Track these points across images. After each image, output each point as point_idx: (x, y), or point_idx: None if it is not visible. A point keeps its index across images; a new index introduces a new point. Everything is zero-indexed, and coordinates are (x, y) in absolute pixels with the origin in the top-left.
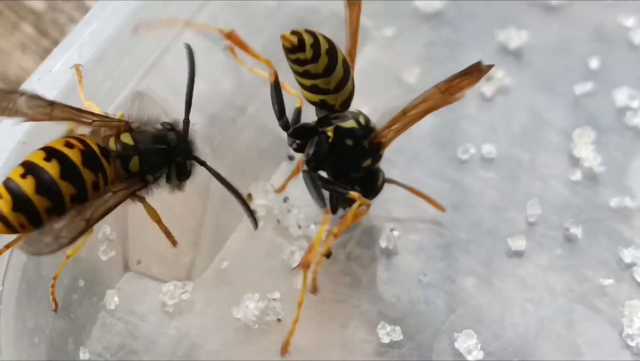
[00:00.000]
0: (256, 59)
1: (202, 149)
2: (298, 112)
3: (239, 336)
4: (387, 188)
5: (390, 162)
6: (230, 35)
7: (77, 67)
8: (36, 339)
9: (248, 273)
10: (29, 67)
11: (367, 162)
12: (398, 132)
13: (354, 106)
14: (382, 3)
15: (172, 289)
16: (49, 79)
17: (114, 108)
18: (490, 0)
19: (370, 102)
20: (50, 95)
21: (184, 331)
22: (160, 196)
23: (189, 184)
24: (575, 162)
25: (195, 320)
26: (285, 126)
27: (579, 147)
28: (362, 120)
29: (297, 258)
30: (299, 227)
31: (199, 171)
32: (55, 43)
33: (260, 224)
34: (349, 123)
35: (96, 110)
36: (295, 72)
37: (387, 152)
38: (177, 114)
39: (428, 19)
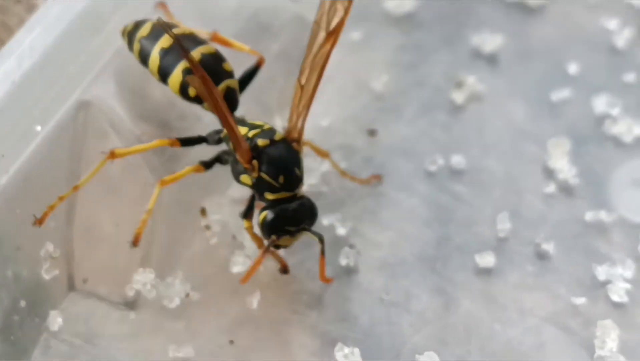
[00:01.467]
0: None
1: (154, 160)
2: None
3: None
4: (351, 201)
5: (356, 175)
6: (216, 37)
7: None
8: None
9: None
10: None
11: (245, 178)
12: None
13: (319, 115)
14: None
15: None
16: None
17: (56, 120)
18: (465, 2)
19: (335, 110)
20: None
21: (132, 353)
22: (107, 212)
23: (138, 197)
24: (549, 174)
25: (144, 342)
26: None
27: (553, 158)
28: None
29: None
30: None
31: (151, 182)
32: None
33: (214, 240)
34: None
35: None
36: None
37: (351, 164)
38: (125, 124)
39: (398, 21)
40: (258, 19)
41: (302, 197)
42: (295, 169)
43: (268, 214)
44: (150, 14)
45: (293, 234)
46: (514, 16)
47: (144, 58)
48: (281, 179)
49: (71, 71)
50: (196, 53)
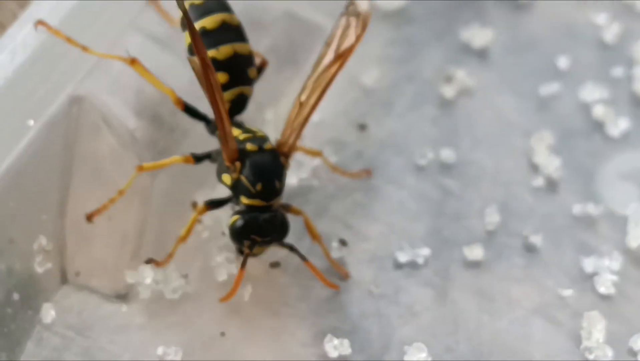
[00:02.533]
0: (158, 88)
1: (146, 155)
2: None
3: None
4: (341, 195)
5: (347, 169)
6: (134, 62)
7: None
8: None
9: (192, 285)
10: None
11: (225, 178)
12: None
13: None
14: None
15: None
16: None
17: (50, 115)
18: None
19: (326, 105)
20: None
21: (123, 346)
22: (99, 205)
23: (130, 190)
24: (536, 167)
25: (135, 334)
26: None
27: (537, 152)
28: None
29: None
30: None
31: (140, 179)
32: None
33: (206, 234)
34: None
35: None
36: None
37: (341, 158)
38: (117, 119)
39: (389, 17)
40: (248, 14)
41: (277, 210)
42: (276, 181)
43: (238, 220)
44: (142, 9)
45: (259, 244)
46: (503, 11)
47: (184, 24)
48: (259, 186)
49: (64, 67)
50: (229, 47)
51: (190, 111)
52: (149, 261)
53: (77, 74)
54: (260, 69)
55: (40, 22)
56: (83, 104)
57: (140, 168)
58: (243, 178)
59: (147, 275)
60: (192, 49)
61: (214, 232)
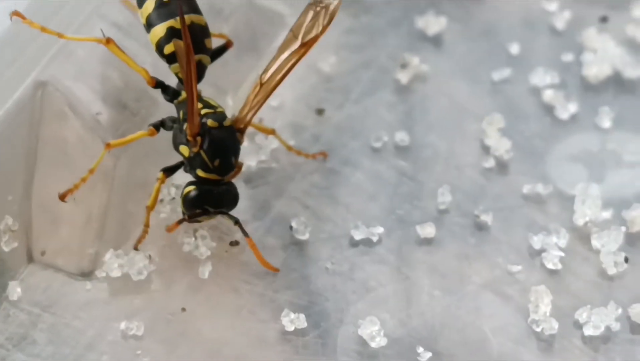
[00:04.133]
0: (132, 67)
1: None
2: None
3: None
4: (299, 177)
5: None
6: (109, 42)
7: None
8: None
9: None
10: None
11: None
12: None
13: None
14: None
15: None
16: None
17: (15, 100)
18: None
19: (285, 91)
20: None
21: (88, 322)
22: (64, 187)
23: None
24: (487, 149)
25: (99, 310)
26: None
27: (488, 135)
28: None
29: (202, 250)
30: None
31: (105, 158)
32: None
33: (165, 215)
34: None
35: None
36: None
37: (299, 142)
38: (82, 104)
39: (347, 5)
40: (210, 2)
41: (229, 183)
42: (232, 158)
43: (192, 191)
44: None
45: (210, 214)
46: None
47: (141, 1)
48: (217, 162)
49: (29, 52)
50: (187, 18)
51: (162, 86)
52: (135, 247)
53: (42, 60)
54: (225, 48)
55: (15, 13)
56: (47, 89)
57: (109, 145)
58: (202, 153)
59: (113, 264)
60: (149, 24)
61: (174, 213)
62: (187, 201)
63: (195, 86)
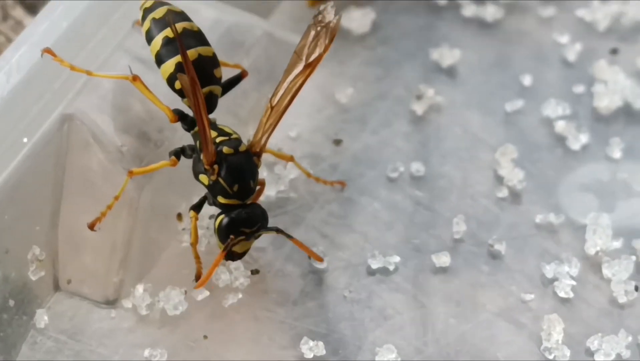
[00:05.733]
0: (156, 104)
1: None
2: None
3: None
4: (317, 206)
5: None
6: (135, 79)
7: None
8: None
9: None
10: None
11: (203, 178)
12: (272, 131)
13: (288, 125)
14: None
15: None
16: None
17: (42, 132)
18: (425, 18)
19: (303, 122)
20: None
21: (113, 349)
22: (89, 218)
23: (118, 202)
24: (501, 179)
25: (124, 337)
26: None
27: (502, 165)
28: None
29: (224, 277)
30: None
31: (129, 188)
32: None
33: (185, 243)
34: None
35: None
36: None
37: (317, 172)
38: (106, 136)
39: (362, 38)
40: (231, 35)
41: (252, 204)
42: (251, 182)
43: (223, 219)
44: (130, 32)
45: (248, 236)
46: (471, 31)
47: (149, 38)
48: (236, 187)
49: (55, 87)
50: (194, 52)
51: (184, 119)
52: (197, 279)
53: (68, 93)
54: (240, 78)
55: (46, 50)
56: (73, 121)
57: (131, 173)
58: (221, 180)
59: (144, 300)
60: (159, 60)
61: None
62: (222, 230)
63: (205, 117)
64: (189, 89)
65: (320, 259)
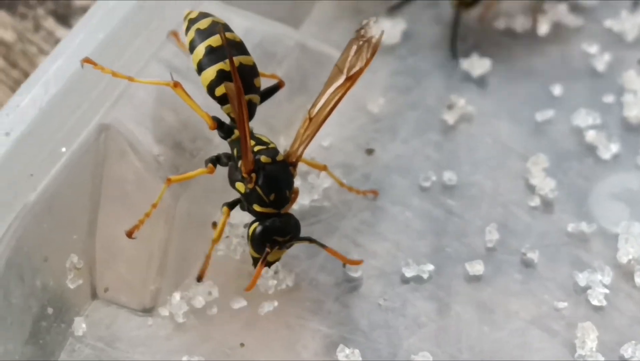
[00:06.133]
0: (196, 111)
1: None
2: None
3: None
4: (350, 215)
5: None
6: (176, 85)
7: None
8: None
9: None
10: None
11: (239, 186)
12: (309, 142)
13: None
14: (348, 32)
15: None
16: (16, 115)
17: (80, 142)
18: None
19: (336, 131)
20: (17, 130)
21: (150, 356)
22: (126, 226)
23: (154, 211)
24: (532, 188)
25: (161, 345)
26: None
27: (533, 174)
28: None
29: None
30: None
31: (166, 197)
32: (25, 74)
33: (222, 252)
34: None
35: None
36: None
37: (350, 181)
38: (142, 145)
39: (393, 48)
40: (263, 47)
41: (286, 213)
42: (287, 191)
43: (257, 227)
44: (164, 43)
45: (282, 245)
46: (501, 42)
47: (192, 47)
48: (272, 196)
49: (92, 97)
50: (236, 60)
51: (221, 127)
52: (199, 279)
53: (104, 104)
54: (277, 88)
55: (86, 60)
56: (110, 131)
57: (169, 181)
58: (258, 189)
59: (181, 306)
60: (200, 68)
61: (229, 247)
62: (255, 239)
63: (247, 125)
64: (234, 96)
65: (358, 263)
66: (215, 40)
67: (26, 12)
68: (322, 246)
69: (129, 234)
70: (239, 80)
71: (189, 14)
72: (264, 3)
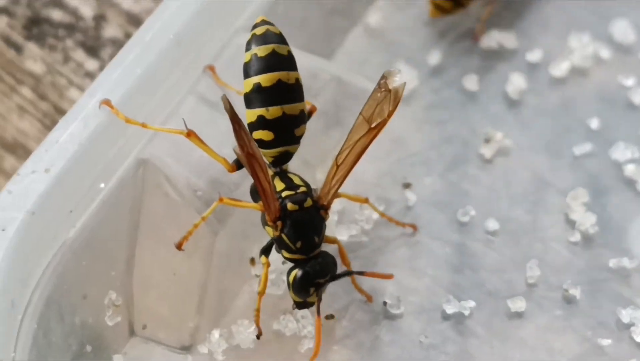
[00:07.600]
0: (213, 157)
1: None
2: None
3: None
4: (388, 250)
5: (392, 226)
6: (190, 134)
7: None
8: None
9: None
10: (27, 130)
11: (269, 230)
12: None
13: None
14: (380, 66)
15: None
16: (55, 150)
17: (118, 177)
18: (490, 60)
19: (372, 165)
20: (57, 167)
21: None
22: (164, 263)
23: (192, 248)
24: (572, 223)
25: None
26: None
27: (573, 209)
28: None
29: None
30: None
31: (204, 233)
32: (54, 106)
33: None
34: None
35: None
36: None
37: (389, 215)
38: (180, 180)
39: (427, 80)
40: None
41: (322, 253)
42: (315, 237)
43: (297, 273)
44: (200, 78)
45: (323, 286)
46: (537, 75)
47: (244, 72)
48: (299, 244)
49: (130, 132)
50: (277, 109)
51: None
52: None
53: (142, 139)
54: (309, 114)
55: (104, 102)
56: (148, 166)
57: (221, 200)
58: (284, 236)
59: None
60: (245, 101)
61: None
62: (297, 285)
63: (266, 183)
64: (246, 163)
65: (389, 277)
66: (266, 79)
67: (55, 44)
68: (360, 273)
69: (179, 246)
70: (246, 144)
71: (256, 30)
72: (299, 35)
